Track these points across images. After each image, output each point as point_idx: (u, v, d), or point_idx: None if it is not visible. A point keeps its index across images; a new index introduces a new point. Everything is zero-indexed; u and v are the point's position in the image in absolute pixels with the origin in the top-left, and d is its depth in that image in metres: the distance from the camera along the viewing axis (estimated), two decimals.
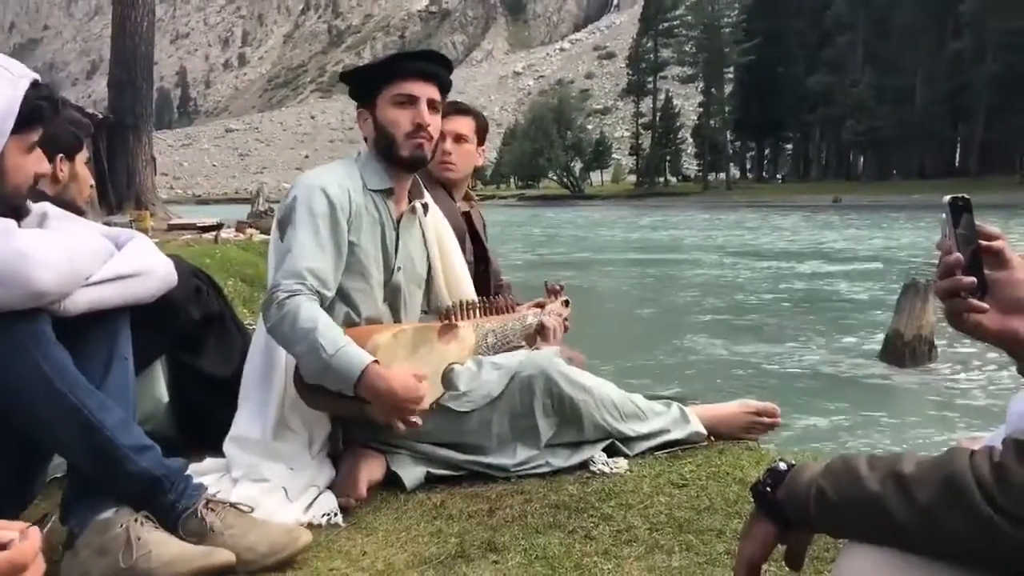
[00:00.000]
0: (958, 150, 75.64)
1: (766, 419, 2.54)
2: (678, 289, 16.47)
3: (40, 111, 1.74)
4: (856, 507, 1.01)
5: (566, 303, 2.87)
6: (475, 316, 2.44)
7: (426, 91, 2.28)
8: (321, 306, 2.10)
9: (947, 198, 1.16)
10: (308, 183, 2.22)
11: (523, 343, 2.66)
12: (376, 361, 2.00)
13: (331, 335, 2.01)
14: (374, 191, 2.30)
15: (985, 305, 1.11)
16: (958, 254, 1.12)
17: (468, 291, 2.58)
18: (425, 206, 2.45)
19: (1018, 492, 0.89)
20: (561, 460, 2.29)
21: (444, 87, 2.36)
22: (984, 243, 1.13)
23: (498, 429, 2.29)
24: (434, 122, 2.30)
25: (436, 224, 2.53)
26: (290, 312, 2.04)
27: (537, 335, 2.71)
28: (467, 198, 3.10)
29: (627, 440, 2.37)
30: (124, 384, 1.88)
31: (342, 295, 2.25)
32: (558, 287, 2.88)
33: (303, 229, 2.16)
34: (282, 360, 2.23)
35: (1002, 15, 60.88)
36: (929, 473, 0.95)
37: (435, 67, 2.33)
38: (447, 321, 2.34)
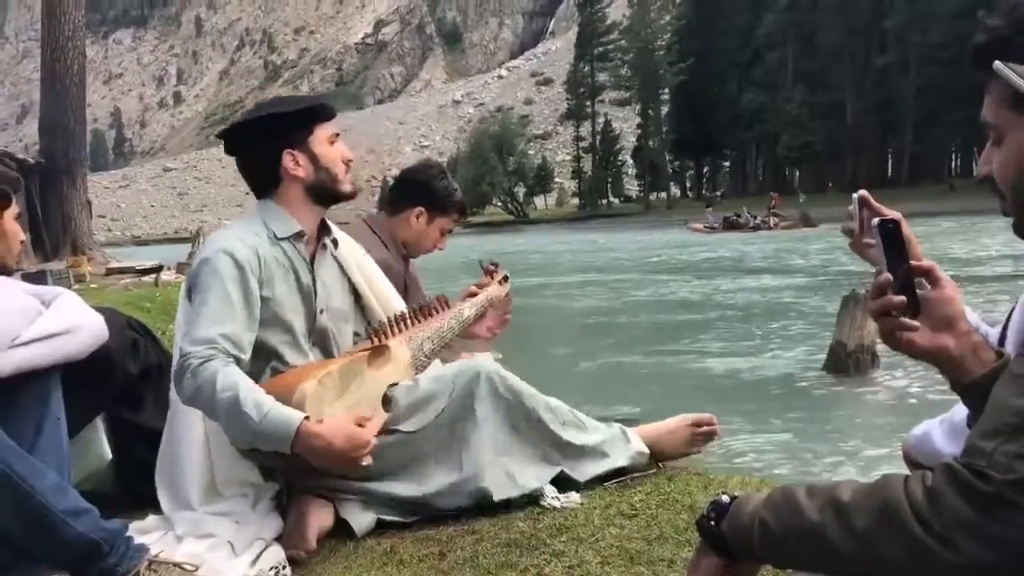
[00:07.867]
0: (889, 161, 77.67)
1: (705, 428, 2.56)
2: (620, 307, 16.56)
3: None
4: (797, 537, 1.02)
5: (505, 279, 2.73)
6: (405, 328, 2.36)
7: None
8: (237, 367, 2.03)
9: (876, 220, 1.19)
10: (213, 248, 2.18)
11: (466, 338, 2.56)
12: (307, 417, 1.93)
13: (254, 400, 1.93)
14: (283, 239, 2.26)
15: (916, 323, 1.14)
16: (888, 274, 1.14)
17: (398, 306, 2.50)
18: (335, 241, 2.40)
19: (950, 516, 0.90)
20: (507, 490, 2.22)
21: None
22: (915, 263, 1.16)
23: (446, 438, 2.23)
24: None
25: (352, 252, 2.48)
26: (207, 381, 1.95)
27: (493, 308, 2.62)
28: None
29: (570, 457, 2.32)
30: (58, 445, 1.84)
31: (267, 351, 2.20)
32: (492, 266, 2.74)
33: (212, 295, 2.10)
34: (198, 421, 2.17)
35: (923, 30, 63.01)
36: (866, 500, 0.97)
37: None
38: (375, 343, 2.27)
